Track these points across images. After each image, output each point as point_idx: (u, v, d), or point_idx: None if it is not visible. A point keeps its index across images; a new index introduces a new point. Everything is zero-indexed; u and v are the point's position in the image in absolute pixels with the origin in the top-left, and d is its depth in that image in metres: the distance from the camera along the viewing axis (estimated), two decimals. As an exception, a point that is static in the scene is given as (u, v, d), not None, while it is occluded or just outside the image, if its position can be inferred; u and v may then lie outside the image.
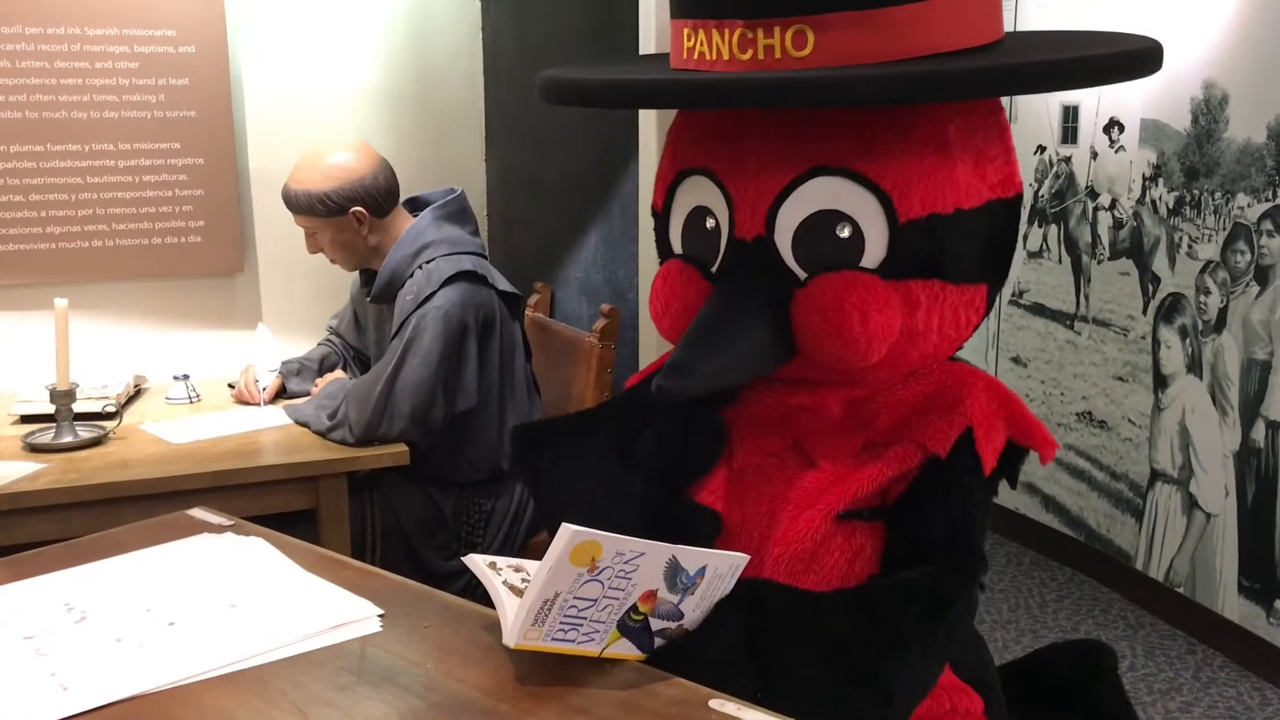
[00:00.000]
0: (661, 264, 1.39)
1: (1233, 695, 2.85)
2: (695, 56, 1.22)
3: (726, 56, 1.18)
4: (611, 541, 1.06)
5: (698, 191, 1.31)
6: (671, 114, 1.44)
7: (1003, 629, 3.23)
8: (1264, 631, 2.89)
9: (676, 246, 1.37)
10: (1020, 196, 1.34)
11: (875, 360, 1.24)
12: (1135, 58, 1.25)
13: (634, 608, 1.12)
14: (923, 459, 1.29)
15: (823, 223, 1.22)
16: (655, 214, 1.43)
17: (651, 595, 1.12)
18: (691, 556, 1.12)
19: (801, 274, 1.24)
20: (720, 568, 1.15)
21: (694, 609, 1.17)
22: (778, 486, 1.34)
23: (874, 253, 1.22)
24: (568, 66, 1.52)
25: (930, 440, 1.28)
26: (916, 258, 1.23)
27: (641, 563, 1.09)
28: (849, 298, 1.21)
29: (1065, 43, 1.39)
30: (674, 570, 1.11)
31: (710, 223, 1.30)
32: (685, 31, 1.24)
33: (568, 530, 1.04)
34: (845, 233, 1.22)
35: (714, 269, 1.31)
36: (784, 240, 1.24)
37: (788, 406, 1.35)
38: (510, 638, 1.09)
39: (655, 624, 1.15)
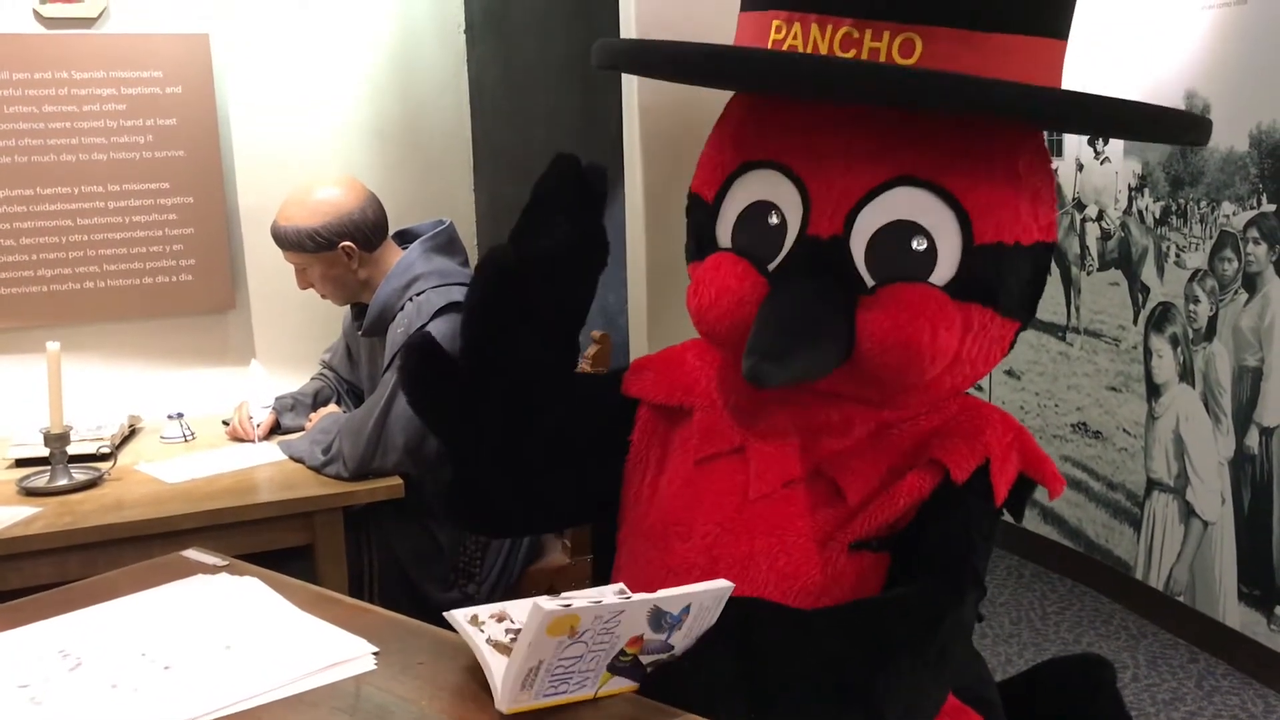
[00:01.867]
0: (705, 256, 1.35)
1: (1236, 703, 2.85)
2: (784, 49, 1.19)
3: (824, 52, 1.16)
4: (589, 610, 1.04)
5: (765, 185, 1.29)
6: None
7: (1005, 643, 3.22)
8: (1265, 638, 2.88)
9: (724, 239, 1.34)
10: (1055, 246, 1.36)
11: (930, 378, 1.25)
12: (1198, 126, 1.35)
13: (622, 651, 1.12)
14: (937, 482, 1.29)
15: (900, 232, 1.22)
16: (703, 204, 1.37)
17: (638, 639, 1.12)
18: (675, 599, 1.11)
19: (870, 280, 1.23)
20: (706, 601, 1.14)
21: (683, 639, 1.16)
22: (792, 519, 1.33)
23: (944, 270, 1.23)
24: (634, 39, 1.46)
25: (953, 464, 1.27)
26: (980, 283, 1.24)
27: (624, 618, 1.08)
28: (923, 311, 1.21)
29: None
30: (658, 615, 1.11)
31: (774, 219, 1.28)
32: (775, 24, 1.21)
33: (540, 611, 1.02)
34: (921, 246, 1.21)
35: (772, 265, 1.29)
36: (859, 244, 1.23)
37: (811, 425, 1.33)
38: (502, 704, 1.09)
39: (646, 659, 1.15)
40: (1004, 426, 1.33)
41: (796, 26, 1.19)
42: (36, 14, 2.87)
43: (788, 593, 1.30)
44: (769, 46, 1.22)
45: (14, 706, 1.17)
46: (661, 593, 1.10)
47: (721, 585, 1.14)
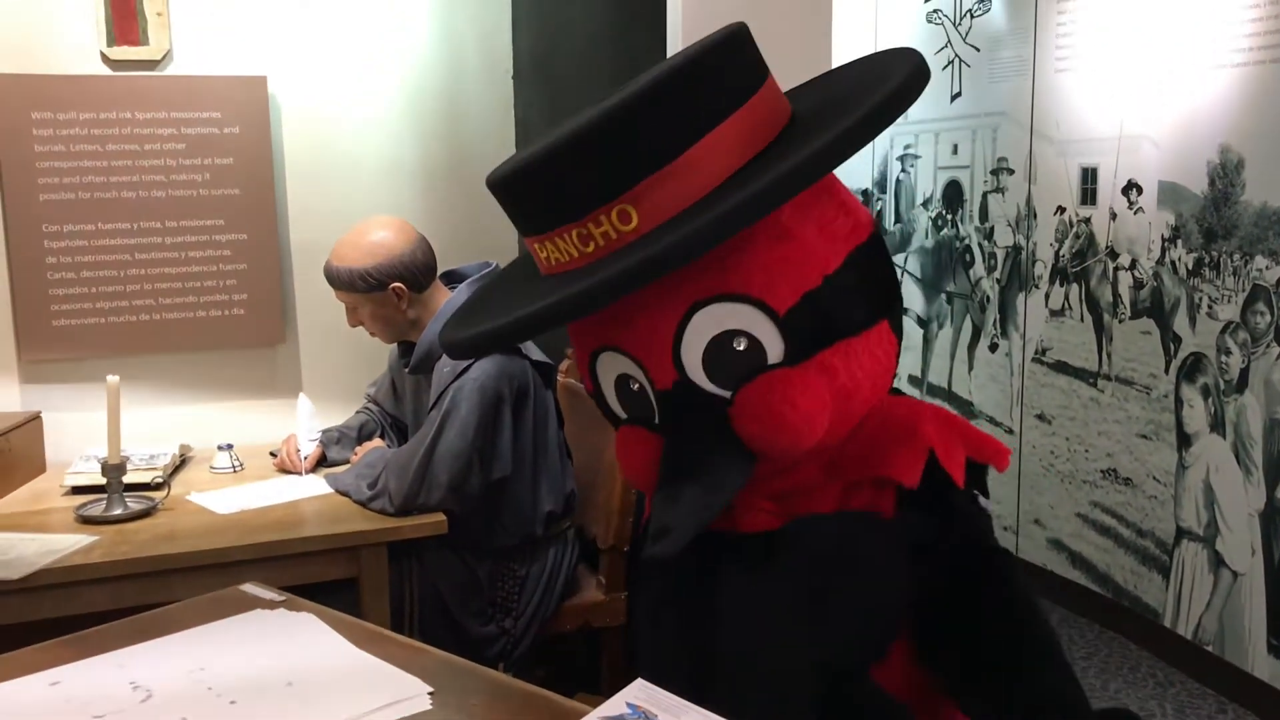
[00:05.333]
0: (617, 428, 1.46)
1: (1264, 755, 2.86)
2: (554, 263, 1.31)
3: (575, 254, 1.27)
4: None
5: (613, 364, 1.39)
6: None
7: (1032, 688, 3.24)
8: (1294, 691, 2.90)
9: (620, 412, 1.44)
10: (875, 230, 1.40)
11: (822, 434, 1.31)
12: (901, 94, 1.26)
13: None
14: (892, 493, 1.36)
15: (721, 344, 1.29)
16: (591, 394, 1.50)
17: None
18: None
19: (726, 394, 1.31)
20: None
21: None
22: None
23: (774, 350, 1.29)
24: (464, 307, 1.57)
25: (899, 473, 1.34)
26: (811, 335, 1.30)
27: None
28: (772, 397, 1.28)
29: (842, 93, 1.40)
30: None
31: (635, 385, 1.38)
32: (535, 246, 1.32)
33: None
34: (742, 345, 1.29)
35: (656, 422, 1.39)
36: (698, 374, 1.31)
37: (777, 493, 1.41)
38: None
39: None
40: (937, 420, 1.39)
41: (549, 244, 1.29)
42: (104, 56, 2.99)
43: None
44: (545, 264, 1.34)
45: (93, 737, 1.24)
46: None
47: None
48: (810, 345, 1.30)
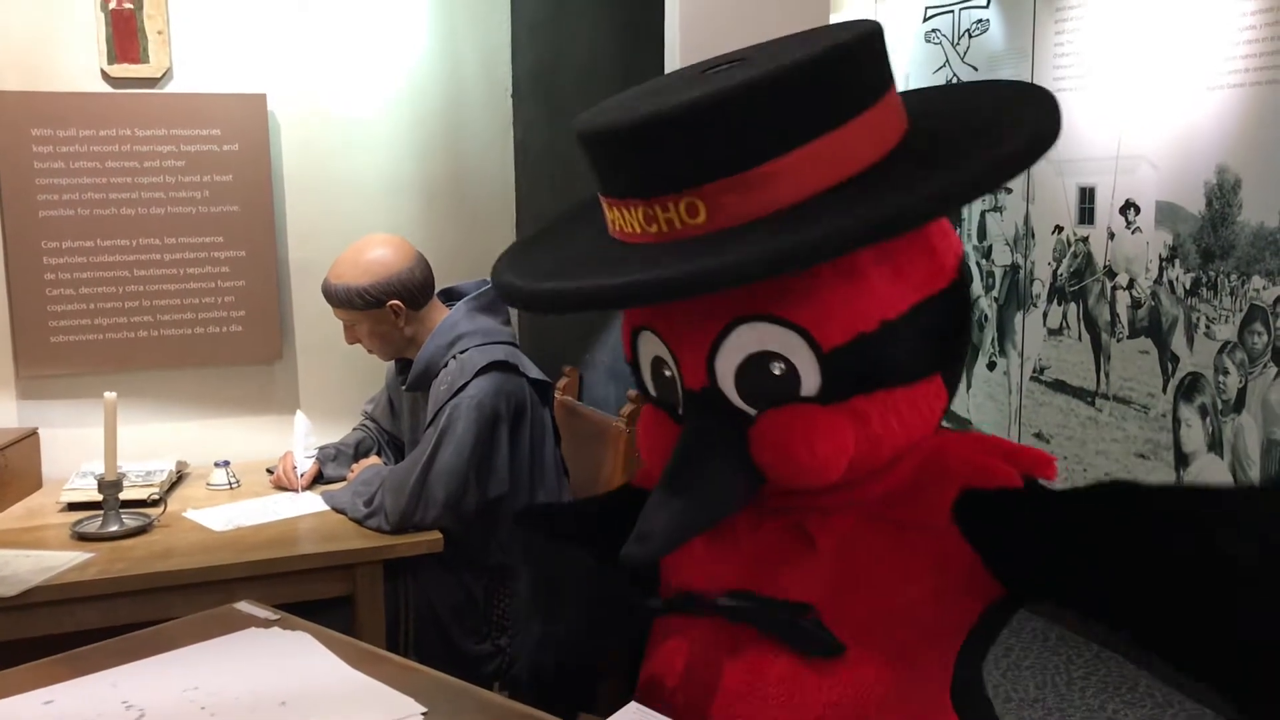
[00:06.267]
0: (642, 405, 1.45)
1: (1263, 777, 2.84)
2: (618, 229, 1.28)
3: (638, 230, 1.24)
4: None
5: (652, 345, 1.37)
6: None
7: (1029, 707, 3.23)
8: (1293, 712, 2.88)
9: (652, 390, 1.42)
10: (959, 281, 1.33)
11: (837, 478, 1.27)
12: (1027, 152, 1.19)
13: None
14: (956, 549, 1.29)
15: (757, 364, 1.26)
16: (628, 362, 1.48)
17: None
18: None
19: (751, 411, 1.28)
20: None
21: None
22: (782, 574, 1.34)
23: (810, 382, 1.25)
24: (520, 248, 1.53)
25: (939, 516, 1.28)
26: (851, 377, 1.25)
27: None
28: (792, 433, 1.24)
29: (960, 125, 1.31)
30: None
31: (667, 372, 1.36)
32: (606, 205, 1.29)
33: None
34: (779, 370, 1.25)
35: (680, 411, 1.37)
36: (727, 385, 1.28)
37: (793, 513, 1.38)
38: None
39: None
40: (974, 445, 1.34)
41: (616, 210, 1.27)
42: (104, 73, 3.00)
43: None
44: (611, 227, 1.30)
45: (85, 757, 1.23)
46: None
47: None
48: (848, 388, 1.25)
